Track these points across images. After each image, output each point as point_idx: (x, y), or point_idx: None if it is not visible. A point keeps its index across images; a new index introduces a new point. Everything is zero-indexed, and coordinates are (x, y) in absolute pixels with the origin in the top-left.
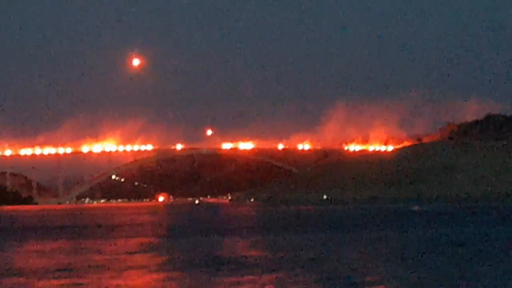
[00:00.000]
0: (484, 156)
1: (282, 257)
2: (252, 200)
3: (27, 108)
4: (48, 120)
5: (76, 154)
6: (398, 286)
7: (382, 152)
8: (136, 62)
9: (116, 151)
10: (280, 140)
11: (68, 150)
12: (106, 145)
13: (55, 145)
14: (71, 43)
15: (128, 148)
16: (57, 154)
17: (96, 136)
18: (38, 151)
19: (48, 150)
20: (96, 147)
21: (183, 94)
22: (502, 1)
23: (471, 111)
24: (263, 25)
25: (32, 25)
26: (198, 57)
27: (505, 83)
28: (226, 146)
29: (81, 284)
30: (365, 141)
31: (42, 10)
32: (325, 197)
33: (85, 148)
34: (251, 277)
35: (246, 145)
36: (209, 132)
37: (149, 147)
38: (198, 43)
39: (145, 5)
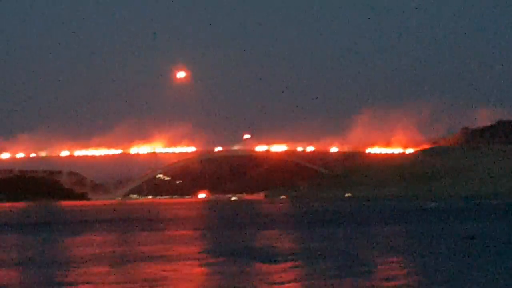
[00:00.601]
0: (494, 159)
1: (310, 248)
2: (284, 197)
3: (82, 113)
4: (102, 124)
5: (126, 154)
6: (414, 274)
7: (402, 154)
8: (181, 74)
9: (162, 152)
10: (310, 143)
11: (119, 151)
12: (153, 147)
13: (108, 146)
14: (125, 56)
15: (173, 150)
16: (109, 155)
17: (144, 138)
18: (92, 151)
19: (101, 151)
20: (144, 149)
21: (223, 102)
22: None
23: (484, 117)
24: (296, 36)
25: (87, 36)
26: (237, 68)
27: None
28: (261, 148)
29: (128, 273)
30: (387, 144)
31: (99, 22)
32: (347, 195)
33: (134, 150)
34: (281, 265)
35: (279, 148)
36: (246, 136)
37: (192, 149)
38: (237, 56)
39: (191, 21)
